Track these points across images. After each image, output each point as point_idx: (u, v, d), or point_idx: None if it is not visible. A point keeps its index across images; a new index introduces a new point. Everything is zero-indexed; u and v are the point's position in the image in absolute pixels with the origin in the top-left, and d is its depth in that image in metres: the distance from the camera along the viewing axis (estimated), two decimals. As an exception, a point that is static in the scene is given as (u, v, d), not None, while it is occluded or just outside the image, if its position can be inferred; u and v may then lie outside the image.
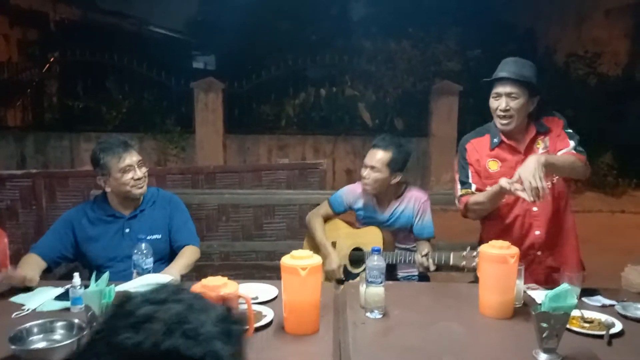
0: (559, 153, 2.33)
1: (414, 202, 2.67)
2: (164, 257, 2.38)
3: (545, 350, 1.62)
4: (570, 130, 2.40)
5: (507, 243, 1.96)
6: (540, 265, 2.43)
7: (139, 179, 2.34)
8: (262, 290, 2.08)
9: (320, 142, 8.65)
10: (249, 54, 11.26)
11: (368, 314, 1.89)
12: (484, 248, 1.97)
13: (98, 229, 2.37)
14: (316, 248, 2.65)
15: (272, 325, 1.81)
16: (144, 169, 2.38)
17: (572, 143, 2.36)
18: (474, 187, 2.44)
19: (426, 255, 2.43)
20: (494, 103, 2.36)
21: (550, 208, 2.39)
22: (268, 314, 1.84)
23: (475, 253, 2.22)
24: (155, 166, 7.44)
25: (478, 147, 2.47)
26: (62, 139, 8.71)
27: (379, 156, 2.60)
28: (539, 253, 2.43)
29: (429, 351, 1.67)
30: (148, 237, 2.29)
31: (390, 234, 2.65)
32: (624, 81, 10.03)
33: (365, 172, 2.63)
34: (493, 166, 2.42)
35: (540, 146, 2.39)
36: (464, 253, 2.27)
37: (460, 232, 4.51)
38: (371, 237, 2.62)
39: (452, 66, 10.47)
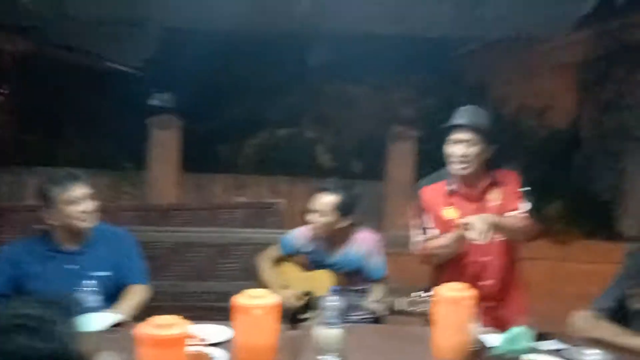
0: (510, 214, 2.37)
1: (364, 243, 2.67)
2: (112, 296, 2.28)
3: (500, 394, 1.61)
4: (526, 189, 2.46)
5: (463, 285, 1.97)
6: (487, 317, 2.44)
7: (86, 212, 2.25)
8: (215, 331, 2.01)
9: (278, 182, 8.64)
10: (207, 93, 11.26)
11: (324, 358, 1.85)
12: (440, 290, 1.97)
13: (40, 265, 2.24)
14: None
15: (224, 369, 1.75)
16: (93, 202, 2.29)
17: (523, 206, 2.41)
18: (437, 232, 2.46)
19: (378, 300, 2.41)
20: (450, 149, 2.40)
21: (503, 259, 2.42)
22: (221, 356, 1.77)
23: (423, 298, 2.21)
24: (108, 203, 7.24)
25: (434, 194, 2.50)
26: (13, 174, 8.39)
27: (326, 200, 2.60)
28: (488, 304, 2.43)
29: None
30: (95, 274, 2.20)
31: (342, 277, 2.62)
32: (571, 133, 10.54)
33: (312, 217, 2.62)
34: (448, 214, 2.45)
35: (492, 197, 2.44)
36: (409, 299, 2.25)
37: (417, 275, 4.53)
38: (322, 282, 2.58)
39: (409, 113, 10.77)
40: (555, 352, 2.02)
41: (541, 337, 2.12)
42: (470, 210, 2.37)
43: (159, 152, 8.33)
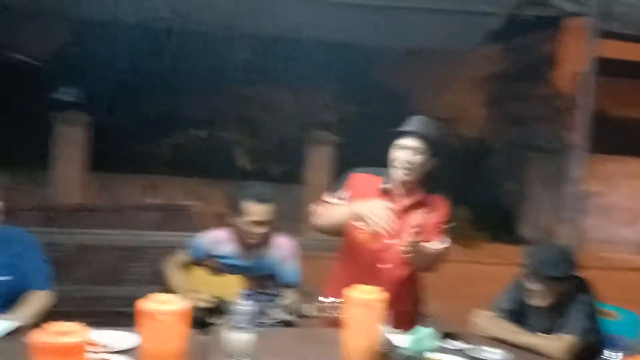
0: (427, 244, 2.34)
1: (279, 248, 2.66)
2: (13, 302, 2.11)
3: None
4: (451, 225, 2.50)
5: (373, 288, 2.01)
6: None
7: None
8: (120, 338, 1.92)
9: (192, 184, 8.46)
10: (121, 89, 10.82)
11: (233, 362, 1.82)
12: (350, 293, 2.00)
13: None
14: None
15: (128, 377, 1.68)
16: None
17: (442, 241, 2.43)
18: (334, 198, 2.51)
19: (287, 305, 2.40)
20: (396, 154, 2.41)
21: (402, 270, 2.46)
22: (124, 364, 1.70)
23: (331, 304, 2.22)
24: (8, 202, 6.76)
25: (364, 182, 2.50)
26: None
27: (267, 210, 2.55)
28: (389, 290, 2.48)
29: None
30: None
31: (254, 281, 2.59)
32: (480, 144, 11.15)
33: (257, 229, 2.55)
34: None
35: (414, 216, 2.45)
36: (318, 305, 2.26)
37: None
38: (232, 286, 2.53)
39: (328, 118, 10.90)
40: (459, 351, 2.11)
41: (447, 336, 2.21)
42: (396, 215, 2.36)
43: (64, 150, 7.89)
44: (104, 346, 1.42)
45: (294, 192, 8.60)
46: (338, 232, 2.54)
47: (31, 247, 2.28)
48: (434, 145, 2.42)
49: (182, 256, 2.67)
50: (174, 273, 2.60)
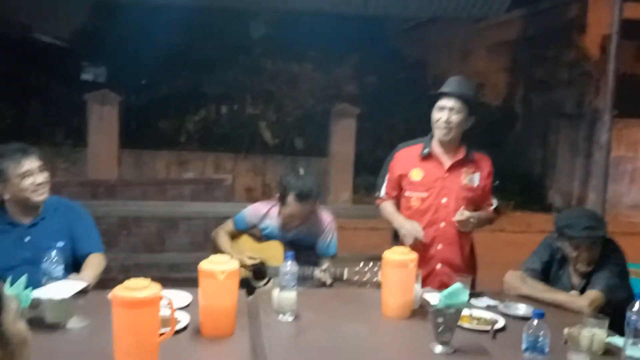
0: (485, 210, 2.64)
1: (320, 223, 2.78)
2: (67, 265, 2.30)
3: (441, 343, 1.79)
4: (496, 184, 2.69)
5: (407, 249, 2.14)
6: (436, 278, 2.63)
7: (39, 184, 2.25)
8: (175, 296, 2.08)
9: (221, 159, 8.63)
10: (145, 68, 10.97)
11: (281, 317, 1.98)
12: (386, 255, 2.13)
13: None
14: None
15: (188, 330, 1.84)
16: (45, 174, 2.29)
17: (494, 202, 2.68)
18: (383, 192, 2.73)
19: (325, 270, 2.55)
20: (436, 115, 2.57)
21: (455, 227, 2.59)
22: (183, 318, 1.86)
23: (367, 269, 2.38)
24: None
25: (406, 155, 2.68)
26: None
27: (310, 207, 2.66)
28: (438, 266, 2.63)
29: (338, 349, 1.80)
30: (52, 245, 2.21)
31: (292, 249, 2.73)
32: (503, 111, 11.03)
33: (295, 222, 2.69)
34: (416, 175, 2.63)
35: (466, 179, 2.60)
36: (357, 268, 2.40)
37: (358, 247, 4.73)
38: (273, 252, 2.69)
39: (351, 90, 10.93)
40: (489, 307, 2.23)
41: (473, 295, 2.34)
42: (441, 175, 2.58)
43: (98, 128, 8.12)
44: (169, 301, 1.57)
45: (319, 164, 8.74)
46: None
47: (82, 215, 2.45)
48: (470, 104, 2.56)
49: (228, 226, 2.83)
50: (222, 239, 2.77)
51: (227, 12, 12.38)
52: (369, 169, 10.44)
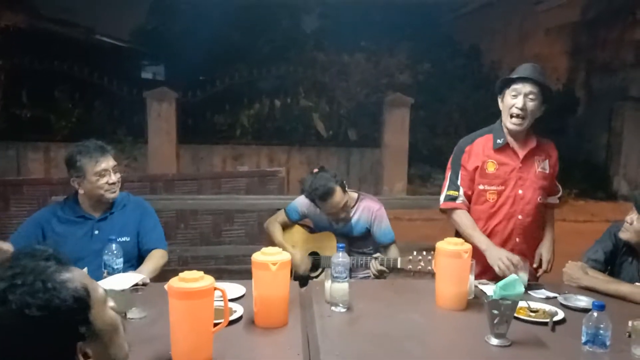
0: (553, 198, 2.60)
1: (367, 212, 2.77)
2: (132, 260, 2.41)
3: (496, 335, 1.76)
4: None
5: (461, 240, 2.11)
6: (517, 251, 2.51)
7: (113, 183, 2.38)
8: (229, 288, 2.14)
9: (275, 152, 8.73)
10: (200, 64, 11.25)
11: (333, 308, 1.99)
12: (440, 245, 2.10)
13: (67, 229, 2.38)
14: None
15: (242, 320, 1.88)
16: (118, 174, 2.43)
17: (559, 191, 2.63)
18: (461, 190, 2.53)
19: (378, 259, 2.52)
20: (510, 101, 2.42)
21: (532, 218, 2.52)
22: (238, 309, 1.91)
23: (420, 257, 2.35)
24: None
25: (480, 147, 2.52)
26: (8, 149, 8.44)
27: (337, 200, 2.65)
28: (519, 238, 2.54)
29: (391, 338, 1.79)
30: (118, 239, 2.32)
31: (344, 239, 2.74)
32: (564, 96, 10.60)
33: (332, 217, 2.72)
34: (490, 167, 2.50)
35: (538, 168, 2.51)
36: (410, 257, 2.38)
37: (414, 238, 4.68)
38: (326, 242, 2.71)
39: (404, 79, 10.78)
40: (547, 299, 2.17)
41: (532, 286, 2.28)
42: (516, 166, 2.47)
43: (157, 124, 8.39)
44: (224, 290, 1.61)
45: (373, 155, 8.70)
46: None
47: (148, 212, 2.56)
48: (546, 90, 2.43)
49: (281, 217, 2.88)
50: (276, 231, 2.82)
51: (280, 7, 12.51)
52: (424, 159, 10.31)
